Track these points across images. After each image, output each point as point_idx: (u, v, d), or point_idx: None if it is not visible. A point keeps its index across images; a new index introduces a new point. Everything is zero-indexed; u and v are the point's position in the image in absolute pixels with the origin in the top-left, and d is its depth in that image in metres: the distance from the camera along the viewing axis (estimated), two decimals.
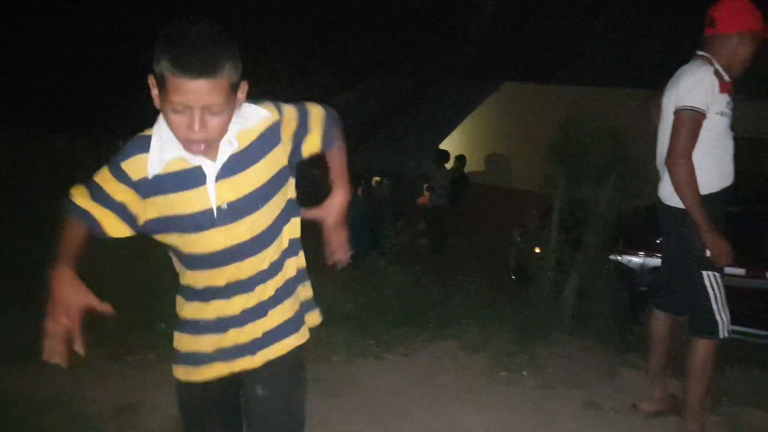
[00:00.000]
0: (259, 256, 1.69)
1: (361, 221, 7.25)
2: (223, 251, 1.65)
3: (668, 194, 3.13)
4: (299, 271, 1.85)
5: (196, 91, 1.41)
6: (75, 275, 1.51)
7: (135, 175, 1.58)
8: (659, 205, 3.25)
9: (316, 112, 1.83)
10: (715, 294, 3.05)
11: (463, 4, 9.48)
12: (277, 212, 1.71)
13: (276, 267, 1.74)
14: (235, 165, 1.60)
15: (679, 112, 2.97)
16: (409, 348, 4.29)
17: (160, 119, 1.57)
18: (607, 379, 3.94)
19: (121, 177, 1.58)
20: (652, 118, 3.38)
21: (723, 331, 3.05)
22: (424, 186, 10.72)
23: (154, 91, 1.48)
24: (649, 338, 3.51)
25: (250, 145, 1.63)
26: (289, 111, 1.74)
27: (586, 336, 4.72)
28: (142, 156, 1.58)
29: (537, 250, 5.71)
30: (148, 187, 1.58)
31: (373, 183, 9.35)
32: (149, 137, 1.59)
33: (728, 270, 6.25)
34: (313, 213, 1.91)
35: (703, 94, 2.94)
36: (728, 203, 3.17)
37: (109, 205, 1.60)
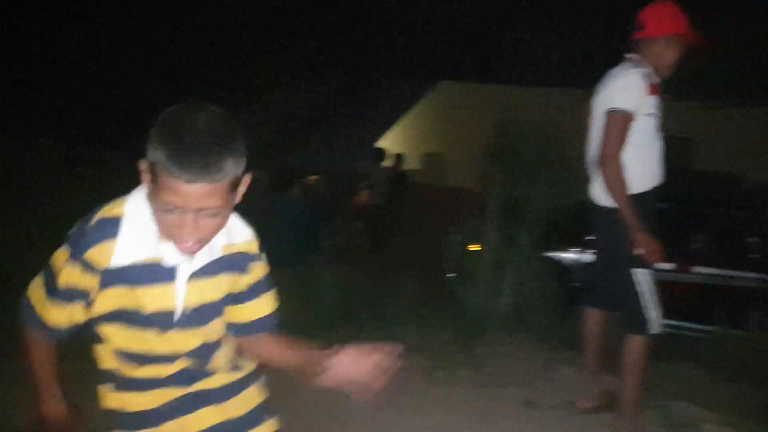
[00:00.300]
0: (206, 359, 1.53)
1: (298, 222, 7.14)
2: (171, 355, 1.48)
3: (599, 194, 3.19)
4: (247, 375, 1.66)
5: (192, 194, 1.24)
6: (66, 408, 1.44)
7: (99, 263, 1.37)
8: (591, 204, 3.30)
9: (274, 297, 1.63)
10: (645, 291, 3.11)
11: (400, 4, 9.49)
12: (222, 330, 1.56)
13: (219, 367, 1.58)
14: (208, 267, 1.44)
15: (609, 114, 3.03)
16: None
17: (136, 197, 1.39)
18: (544, 377, 3.97)
19: (85, 266, 1.37)
20: (583, 120, 3.43)
21: (654, 327, 3.11)
22: (362, 185, 10.67)
23: (145, 177, 1.30)
24: (583, 336, 3.56)
25: (226, 255, 1.46)
26: (263, 265, 1.57)
27: (523, 333, 4.76)
28: (109, 243, 1.36)
29: (474, 248, 5.75)
30: (111, 277, 1.39)
31: (311, 182, 9.20)
32: (118, 221, 1.37)
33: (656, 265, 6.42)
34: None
35: (632, 96, 3.00)
36: (657, 201, 3.24)
37: (74, 299, 1.42)
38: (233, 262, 1.48)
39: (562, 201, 5.33)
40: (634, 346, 3.12)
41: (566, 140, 5.26)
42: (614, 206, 3.06)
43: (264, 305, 1.59)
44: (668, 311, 4.42)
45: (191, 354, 1.49)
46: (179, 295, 1.43)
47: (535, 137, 5.23)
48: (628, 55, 3.17)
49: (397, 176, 11.27)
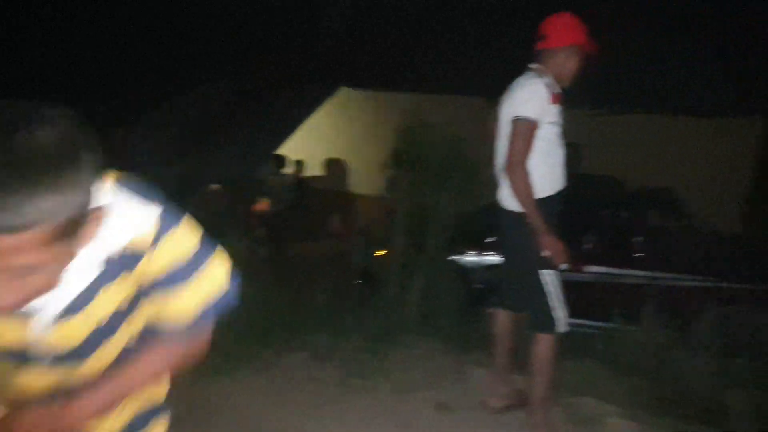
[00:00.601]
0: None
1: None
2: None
3: (506, 198, 3.29)
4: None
5: None
6: None
7: None
8: (498, 208, 3.40)
9: (218, 275, 1.26)
10: (552, 292, 3.23)
11: (298, 10, 9.43)
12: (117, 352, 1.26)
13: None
14: (74, 302, 1.14)
15: (514, 122, 3.13)
16: (261, 362, 4.17)
17: None
18: (456, 379, 4.05)
19: None
20: (490, 128, 3.54)
21: (561, 326, 3.24)
22: (261, 192, 10.52)
23: None
24: (493, 336, 3.67)
25: (113, 258, 1.14)
26: (176, 243, 1.18)
27: (433, 337, 4.83)
28: None
29: (381, 254, 5.80)
30: None
31: (211, 191, 8.99)
32: None
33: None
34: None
35: (536, 104, 3.12)
36: (560, 205, 3.38)
37: None
38: (112, 271, 1.15)
39: (467, 206, 5.47)
40: (543, 344, 3.24)
41: (470, 147, 5.41)
42: (521, 210, 3.17)
43: (192, 296, 1.22)
44: (568, 310, 4.65)
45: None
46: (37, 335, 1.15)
47: (441, 144, 5.33)
48: (531, 65, 3.29)
49: (298, 183, 11.19)
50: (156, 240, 1.15)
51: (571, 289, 5.56)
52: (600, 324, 5.28)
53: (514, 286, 3.46)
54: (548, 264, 3.19)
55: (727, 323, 6.16)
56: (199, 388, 3.80)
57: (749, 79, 10.23)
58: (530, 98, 3.12)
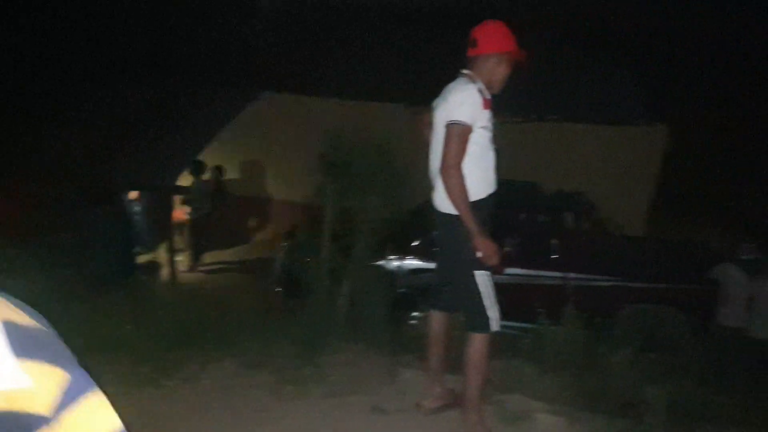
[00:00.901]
0: None
1: (119, 241, 6.74)
2: None
3: (441, 201, 3.34)
4: None
5: None
6: None
7: None
8: (434, 211, 3.46)
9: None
10: (486, 292, 3.30)
11: (221, 14, 9.29)
12: None
13: None
14: None
15: (449, 126, 3.18)
16: (189, 372, 4.07)
17: None
18: (389, 382, 4.08)
19: None
20: (423, 133, 3.59)
21: (494, 326, 3.32)
22: (181, 199, 10.28)
23: None
24: (426, 338, 3.72)
25: None
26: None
27: (362, 342, 4.85)
28: None
29: (307, 260, 5.78)
30: None
31: (130, 198, 8.72)
32: None
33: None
34: None
35: (469, 109, 3.18)
36: (492, 208, 3.47)
37: None
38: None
39: (393, 211, 5.53)
40: (477, 343, 3.30)
41: (395, 152, 5.48)
42: (455, 213, 3.24)
43: None
44: None
45: None
46: None
47: (367, 149, 5.37)
48: (463, 71, 3.36)
49: (218, 190, 11.00)
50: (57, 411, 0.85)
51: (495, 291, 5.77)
52: (522, 325, 5.44)
53: (449, 287, 3.52)
54: (481, 265, 3.25)
55: (641, 320, 6.49)
56: (125, 399, 3.69)
57: (654, 88, 10.81)
58: (464, 103, 3.18)
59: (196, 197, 10.16)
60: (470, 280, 3.29)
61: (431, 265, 6.72)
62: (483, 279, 3.29)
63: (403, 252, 6.94)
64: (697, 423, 4.71)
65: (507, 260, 6.70)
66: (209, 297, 5.23)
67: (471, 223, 3.17)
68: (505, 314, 5.31)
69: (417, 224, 7.03)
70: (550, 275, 7.10)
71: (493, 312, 3.30)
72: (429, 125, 3.48)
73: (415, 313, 6.15)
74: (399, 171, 5.44)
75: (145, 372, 3.96)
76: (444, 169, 3.19)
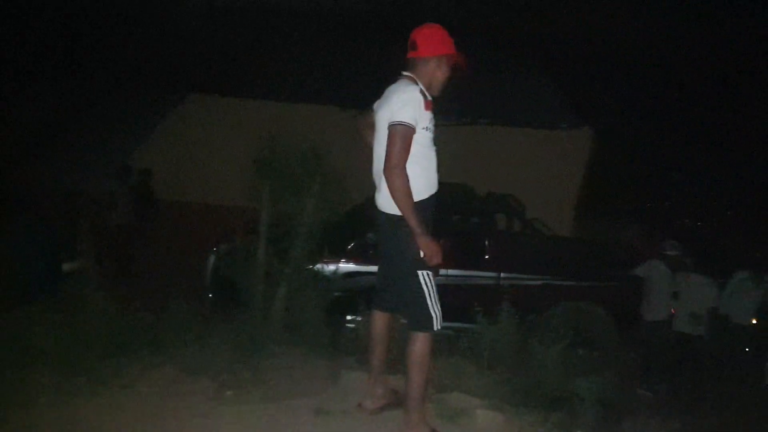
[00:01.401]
0: None
1: (42, 250, 6.48)
2: None
3: (385, 202, 3.37)
4: None
5: None
6: None
7: None
8: (377, 212, 3.48)
9: None
10: (429, 291, 3.34)
11: (149, 13, 9.08)
12: None
13: None
14: None
15: (392, 127, 3.21)
16: (126, 380, 3.97)
17: None
18: (330, 384, 4.10)
19: None
20: (364, 135, 3.62)
21: (437, 324, 3.36)
22: (107, 204, 9.97)
23: None
24: (368, 338, 3.74)
25: None
26: None
27: (301, 345, 4.85)
28: None
29: (243, 264, 5.71)
30: None
31: (54, 203, 8.40)
32: None
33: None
34: None
35: (412, 110, 3.22)
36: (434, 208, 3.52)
37: None
38: None
39: (329, 214, 5.53)
40: (420, 342, 3.33)
41: (331, 154, 5.49)
42: (398, 214, 3.27)
43: None
44: None
45: None
46: None
47: (302, 152, 5.35)
48: (404, 73, 3.40)
49: (146, 194, 10.74)
50: None
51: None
52: (458, 325, 5.51)
53: (392, 286, 3.54)
54: (424, 265, 3.30)
55: (571, 317, 6.70)
56: (61, 409, 3.59)
57: (580, 93, 11.18)
58: (406, 104, 3.21)
59: (124, 202, 9.89)
60: (413, 280, 3.33)
61: (367, 268, 6.87)
62: (425, 278, 3.33)
63: (340, 255, 6.96)
64: (624, 414, 4.91)
65: (444, 261, 6.91)
66: (142, 304, 5.08)
67: (414, 223, 3.21)
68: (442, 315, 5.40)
69: (353, 227, 7.09)
70: (483, 275, 7.26)
71: (435, 311, 3.35)
72: (370, 127, 3.51)
73: (352, 316, 6.17)
74: (334, 173, 5.45)
75: (81, 382, 3.85)
76: (387, 170, 3.21)
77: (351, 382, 4.05)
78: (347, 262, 7.08)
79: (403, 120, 3.19)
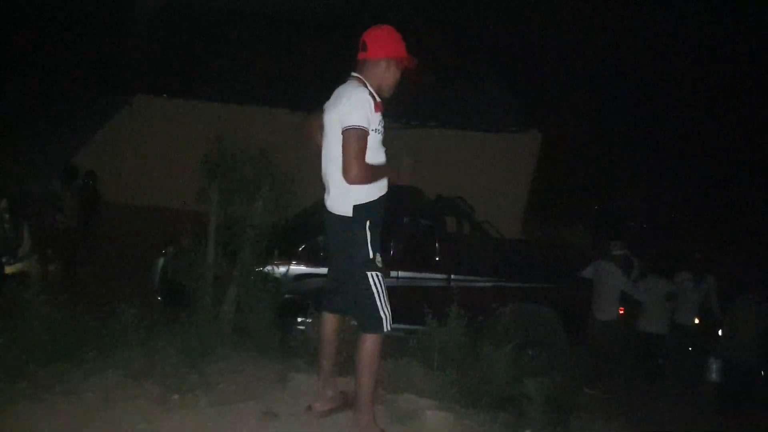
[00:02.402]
0: None
1: None
2: None
3: (334, 203, 3.37)
4: None
5: None
6: None
7: None
8: (326, 213, 3.46)
9: None
10: (378, 292, 3.33)
11: (95, 14, 8.88)
12: None
13: None
14: None
15: (346, 132, 3.19)
16: (70, 385, 3.85)
17: None
18: (278, 386, 4.06)
19: None
20: (313, 136, 3.60)
21: (386, 326, 3.35)
22: (51, 206, 9.70)
23: None
24: (317, 340, 3.73)
25: None
26: None
27: (249, 348, 4.80)
28: None
29: (191, 267, 5.62)
30: None
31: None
32: None
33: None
34: None
35: (363, 113, 3.20)
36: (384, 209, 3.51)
37: None
38: None
39: (278, 216, 5.49)
40: (369, 343, 3.32)
41: (280, 156, 5.45)
42: (347, 215, 3.28)
43: None
44: None
45: None
46: None
47: (251, 154, 5.31)
48: (353, 74, 3.39)
49: (90, 196, 10.50)
50: None
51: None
52: (408, 326, 5.53)
53: (342, 288, 3.52)
54: (374, 266, 3.31)
55: (520, 318, 6.80)
56: (1, 416, 3.48)
57: (528, 97, 11.36)
58: (356, 106, 3.20)
59: (68, 204, 9.65)
60: (363, 281, 3.32)
61: (317, 270, 6.84)
62: (375, 279, 3.33)
63: (289, 257, 6.92)
64: (571, 414, 5.00)
65: (393, 264, 6.93)
66: (86, 308, 4.95)
67: (390, 171, 3.32)
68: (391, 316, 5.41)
69: (303, 229, 7.06)
70: (433, 277, 7.30)
71: (385, 312, 3.34)
72: (319, 128, 3.49)
73: (301, 319, 6.14)
74: (283, 175, 5.41)
75: (22, 387, 3.72)
76: (350, 173, 3.18)
77: (300, 385, 4.02)
78: (297, 264, 7.05)
79: (355, 124, 3.18)
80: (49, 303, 4.63)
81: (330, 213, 3.42)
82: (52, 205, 9.73)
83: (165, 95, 11.08)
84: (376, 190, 3.36)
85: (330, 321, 3.64)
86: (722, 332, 7.56)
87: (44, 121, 9.85)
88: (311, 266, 6.98)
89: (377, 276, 3.33)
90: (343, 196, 3.32)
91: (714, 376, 7.61)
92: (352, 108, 3.20)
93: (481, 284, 7.34)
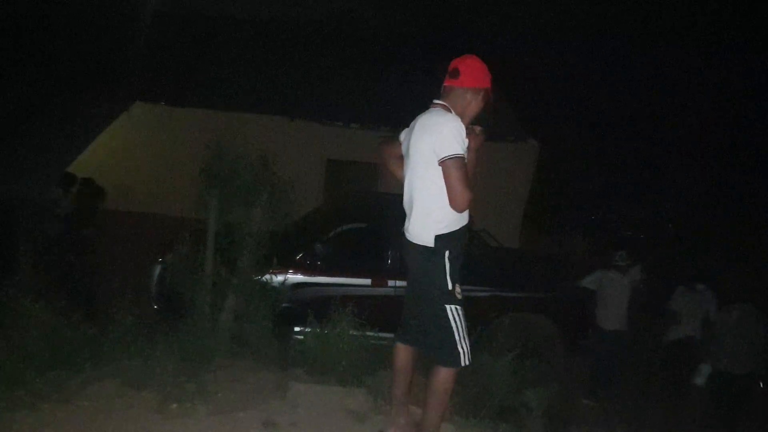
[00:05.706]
0: None
1: None
2: None
3: (416, 233, 3.29)
4: None
5: None
6: None
7: None
8: (406, 242, 3.39)
9: None
10: (457, 326, 3.26)
11: (92, 21, 8.87)
12: None
13: None
14: None
15: (449, 160, 3.11)
16: (68, 393, 3.83)
17: None
18: (278, 396, 4.04)
19: None
20: (388, 163, 3.58)
21: (464, 360, 3.28)
22: (48, 213, 9.66)
23: None
24: (393, 369, 3.62)
25: None
26: None
27: (248, 357, 4.77)
28: None
29: (189, 275, 5.59)
30: None
31: None
32: None
33: (356, 281, 6.80)
34: None
35: (460, 140, 3.15)
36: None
37: None
38: None
39: (277, 224, 5.47)
40: (444, 376, 3.27)
41: (279, 164, 5.44)
42: (429, 245, 3.21)
43: None
44: (374, 324, 4.82)
45: None
46: None
47: (250, 161, 5.30)
48: (436, 101, 3.32)
49: (87, 204, 10.44)
50: None
51: (375, 304, 5.83)
52: None
53: (418, 320, 3.44)
54: (454, 299, 3.24)
55: (519, 328, 6.78)
56: None
57: (526, 107, 11.39)
58: (454, 135, 3.14)
59: (65, 212, 9.61)
60: (441, 314, 3.25)
61: (316, 279, 6.82)
62: (454, 313, 3.26)
63: (288, 265, 6.88)
64: (570, 425, 4.97)
65: (387, 273, 6.90)
66: (88, 315, 4.94)
67: (473, 160, 3.25)
68: (388, 326, 5.41)
69: (301, 237, 7.04)
70: None
71: (463, 347, 3.27)
72: (396, 157, 3.48)
73: (300, 327, 6.10)
74: (282, 183, 5.40)
75: (20, 396, 3.69)
76: (460, 201, 3.13)
77: (300, 394, 4.00)
78: (296, 272, 7.01)
79: (457, 153, 3.12)
80: (46, 311, 4.61)
81: (411, 243, 3.34)
82: (49, 212, 9.71)
83: (163, 103, 11.07)
84: (459, 220, 3.28)
85: (402, 351, 3.56)
86: (711, 340, 7.47)
87: (42, 127, 9.82)
88: (310, 275, 6.95)
89: (456, 310, 3.26)
90: (426, 226, 3.24)
91: (699, 380, 7.52)
92: (452, 137, 3.13)
93: (481, 294, 7.31)
